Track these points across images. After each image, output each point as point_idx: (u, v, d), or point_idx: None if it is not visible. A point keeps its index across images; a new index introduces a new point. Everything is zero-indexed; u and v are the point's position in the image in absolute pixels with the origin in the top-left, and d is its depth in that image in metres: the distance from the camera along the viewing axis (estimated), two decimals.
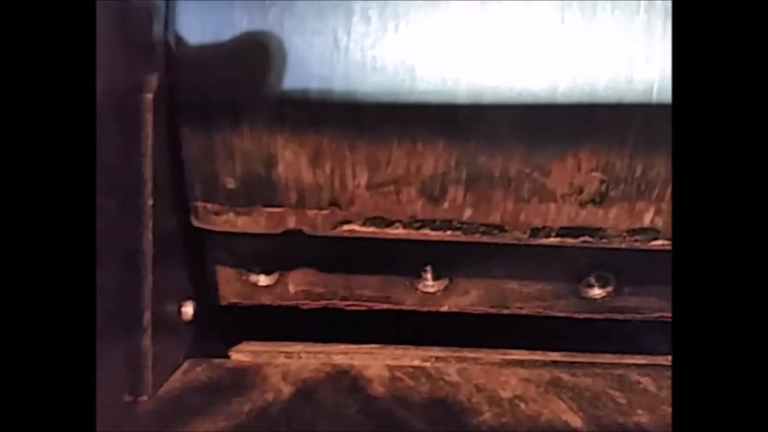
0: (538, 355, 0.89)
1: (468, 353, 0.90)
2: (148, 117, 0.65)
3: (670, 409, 0.68)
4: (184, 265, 0.75)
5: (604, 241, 0.73)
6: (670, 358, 0.86)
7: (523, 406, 0.69)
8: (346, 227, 0.74)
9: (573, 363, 0.85)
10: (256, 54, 0.66)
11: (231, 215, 0.73)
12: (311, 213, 0.73)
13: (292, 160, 0.69)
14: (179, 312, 0.74)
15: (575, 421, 0.66)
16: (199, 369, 0.75)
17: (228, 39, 0.66)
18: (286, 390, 0.72)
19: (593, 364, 0.83)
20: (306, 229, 0.75)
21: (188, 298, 0.75)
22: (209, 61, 0.66)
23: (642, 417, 0.67)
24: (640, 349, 0.88)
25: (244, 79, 0.67)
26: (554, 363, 0.86)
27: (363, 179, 0.71)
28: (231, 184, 0.71)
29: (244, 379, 0.74)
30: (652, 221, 0.71)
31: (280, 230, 0.74)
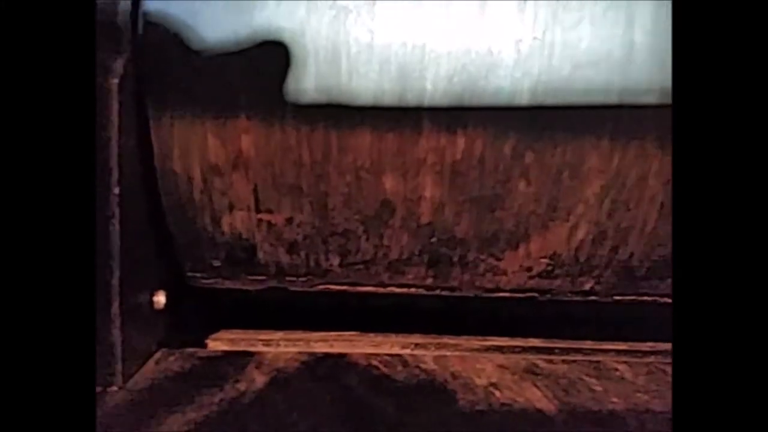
0: (518, 341, 0.89)
1: (448, 340, 0.89)
2: (114, 103, 0.64)
3: (645, 397, 0.68)
4: (156, 253, 0.73)
5: (548, 296, 0.82)
6: (649, 344, 0.86)
7: (497, 393, 0.68)
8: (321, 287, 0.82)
9: (552, 349, 0.85)
10: (231, 39, 0.65)
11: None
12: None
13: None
14: (151, 301, 0.73)
15: (549, 408, 0.66)
16: (171, 358, 0.74)
17: (200, 22, 0.64)
18: (260, 379, 0.71)
19: (573, 350, 0.83)
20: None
21: (160, 287, 0.74)
22: (180, 45, 0.65)
23: (617, 405, 0.67)
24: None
25: (216, 64, 0.65)
26: (534, 349, 0.86)
27: (335, 261, 0.77)
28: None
29: (217, 368, 0.73)
30: (591, 288, 0.80)
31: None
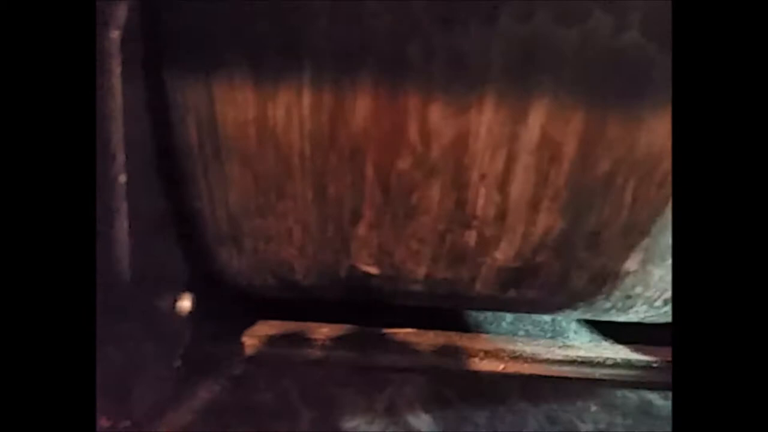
0: None
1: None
2: (115, 64, 0.48)
3: None
4: (175, 251, 0.59)
5: None
6: None
7: None
8: None
9: None
10: None
11: None
12: None
13: None
14: (173, 307, 0.59)
15: None
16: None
17: None
18: None
19: None
20: None
21: (183, 290, 0.60)
22: None
23: None
24: None
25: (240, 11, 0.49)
26: None
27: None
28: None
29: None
30: None
31: None
